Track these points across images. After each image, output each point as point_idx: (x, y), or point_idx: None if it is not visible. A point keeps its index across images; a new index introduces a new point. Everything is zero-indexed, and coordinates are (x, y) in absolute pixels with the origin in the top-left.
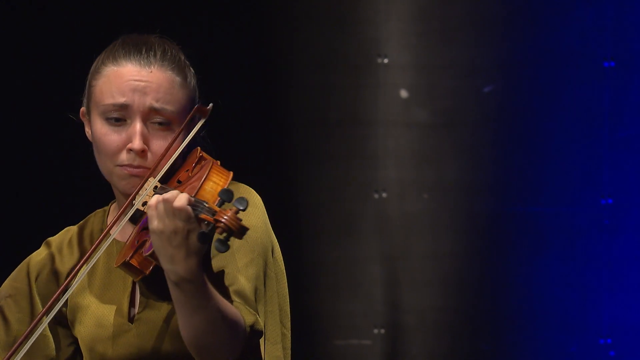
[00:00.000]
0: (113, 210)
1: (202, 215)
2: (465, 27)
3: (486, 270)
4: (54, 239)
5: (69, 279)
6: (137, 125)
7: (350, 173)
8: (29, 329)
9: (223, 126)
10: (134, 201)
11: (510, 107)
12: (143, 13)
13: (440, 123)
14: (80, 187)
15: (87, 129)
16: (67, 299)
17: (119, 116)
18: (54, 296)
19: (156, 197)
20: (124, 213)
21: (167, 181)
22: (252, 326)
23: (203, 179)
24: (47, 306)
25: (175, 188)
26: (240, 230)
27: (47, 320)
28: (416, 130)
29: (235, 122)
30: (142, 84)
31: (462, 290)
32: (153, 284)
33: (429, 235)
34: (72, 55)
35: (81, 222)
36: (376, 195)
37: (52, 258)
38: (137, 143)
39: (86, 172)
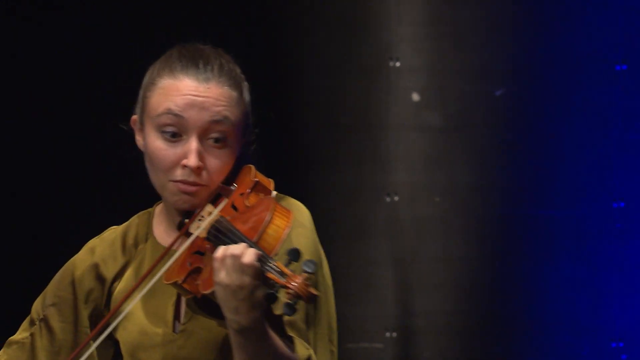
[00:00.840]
0: (159, 214)
1: (271, 275)
2: (477, 31)
3: (497, 273)
4: (97, 244)
5: (116, 285)
6: (194, 142)
7: (361, 176)
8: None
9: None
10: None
11: (522, 111)
12: (154, 18)
13: (452, 126)
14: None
15: (137, 137)
16: (110, 305)
17: (175, 131)
18: (109, 314)
19: (223, 250)
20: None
21: (217, 200)
22: None
23: (266, 221)
24: (103, 321)
25: (232, 217)
26: (309, 298)
27: (97, 339)
28: (428, 134)
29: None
30: (200, 99)
31: (474, 294)
32: (202, 299)
33: (440, 239)
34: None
35: (124, 224)
36: (388, 199)
37: (96, 265)
38: (193, 160)
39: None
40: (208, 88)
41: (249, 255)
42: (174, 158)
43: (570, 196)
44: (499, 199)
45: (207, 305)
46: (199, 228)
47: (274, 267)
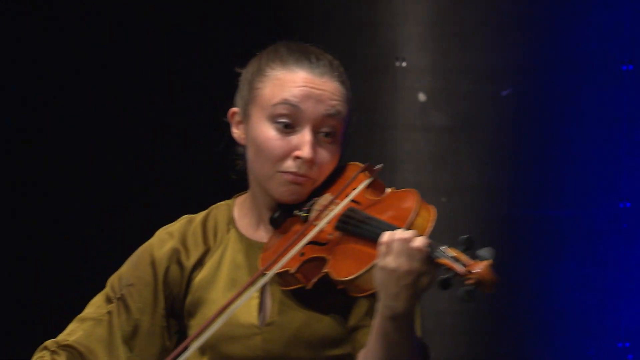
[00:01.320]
0: (240, 207)
1: (444, 262)
2: (483, 31)
3: (504, 273)
4: (175, 230)
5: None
6: (308, 134)
7: None
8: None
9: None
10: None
11: (528, 111)
12: (161, 18)
13: (458, 126)
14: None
15: (235, 130)
16: (189, 291)
17: (289, 122)
18: (246, 285)
19: (390, 235)
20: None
21: (323, 195)
22: (428, 352)
23: (414, 212)
24: (237, 293)
25: (362, 208)
26: (491, 285)
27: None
28: (434, 134)
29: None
30: (318, 91)
31: (480, 294)
32: (292, 290)
33: (447, 239)
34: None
35: (202, 213)
36: None
37: (176, 250)
38: (307, 152)
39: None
40: (323, 82)
41: (420, 240)
42: (286, 149)
43: (577, 196)
44: (506, 199)
45: (298, 300)
46: (326, 218)
47: (446, 254)
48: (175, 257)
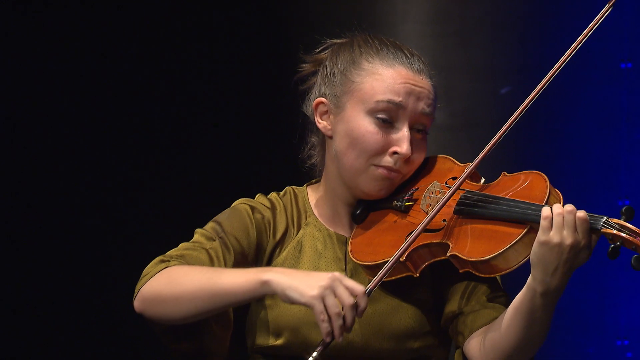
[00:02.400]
0: (313, 196)
1: (608, 231)
2: (483, 29)
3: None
4: (265, 202)
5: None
6: (407, 130)
7: None
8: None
9: (240, 126)
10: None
11: (527, 109)
12: (155, 16)
13: (457, 124)
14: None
15: (319, 120)
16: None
17: (388, 117)
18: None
19: (548, 209)
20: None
21: (426, 183)
22: None
23: (547, 190)
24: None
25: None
26: None
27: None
28: (433, 132)
29: (252, 122)
30: (418, 89)
31: None
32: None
33: None
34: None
35: (280, 195)
36: None
37: (269, 222)
38: (407, 148)
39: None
40: (421, 79)
41: (582, 212)
42: (385, 144)
43: (576, 194)
44: None
45: (383, 291)
46: (439, 203)
47: (611, 224)
48: (264, 227)
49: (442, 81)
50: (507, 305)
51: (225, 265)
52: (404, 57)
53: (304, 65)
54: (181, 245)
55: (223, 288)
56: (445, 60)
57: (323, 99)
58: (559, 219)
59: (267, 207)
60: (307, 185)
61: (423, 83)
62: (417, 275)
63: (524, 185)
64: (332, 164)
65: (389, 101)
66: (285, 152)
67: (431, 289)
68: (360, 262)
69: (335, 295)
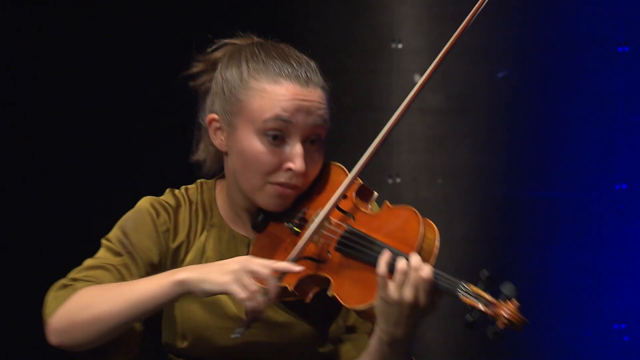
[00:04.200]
0: (220, 194)
1: (468, 300)
2: (479, 13)
3: (500, 255)
4: (166, 202)
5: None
6: (299, 146)
7: None
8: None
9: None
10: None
11: (524, 93)
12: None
13: (454, 108)
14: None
15: (214, 136)
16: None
17: (279, 135)
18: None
19: (402, 264)
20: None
21: (309, 200)
22: None
23: (421, 235)
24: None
25: (358, 225)
26: (522, 327)
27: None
28: (430, 116)
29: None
30: (307, 103)
31: (476, 276)
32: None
33: (442, 220)
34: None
35: (187, 190)
36: (390, 181)
37: (167, 223)
38: (300, 164)
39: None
40: (310, 91)
41: (427, 270)
42: (277, 161)
43: (573, 178)
44: (501, 181)
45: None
46: (311, 228)
47: (469, 292)
48: (168, 227)
49: (439, 65)
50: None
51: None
52: (290, 70)
53: (197, 63)
54: (85, 262)
55: (139, 299)
56: (441, 44)
57: (215, 116)
58: (401, 278)
59: (171, 206)
60: (216, 179)
61: (312, 95)
62: (309, 301)
63: (399, 224)
64: (231, 177)
65: (276, 118)
66: None
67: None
68: None
69: (251, 273)
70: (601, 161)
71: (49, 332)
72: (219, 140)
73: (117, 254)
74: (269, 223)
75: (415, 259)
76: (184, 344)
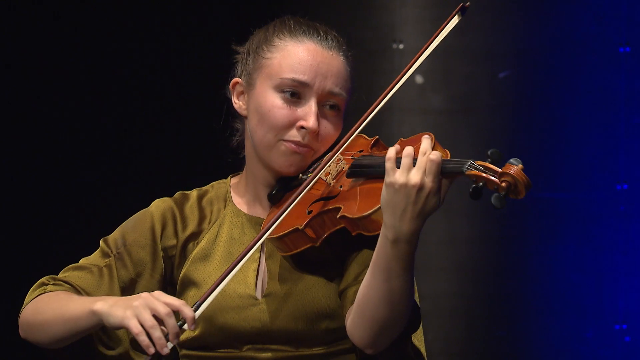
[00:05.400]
0: (235, 186)
1: (474, 172)
2: (481, 13)
3: (502, 255)
4: (173, 200)
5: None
6: (314, 105)
7: None
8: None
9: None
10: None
11: (526, 93)
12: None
13: (455, 109)
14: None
15: (236, 101)
16: (185, 262)
17: (295, 92)
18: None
19: (407, 150)
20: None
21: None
22: (419, 312)
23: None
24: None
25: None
26: (526, 188)
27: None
28: (431, 116)
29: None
30: (325, 67)
31: (478, 276)
32: (292, 260)
33: (444, 221)
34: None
35: (201, 189)
36: None
37: (174, 219)
38: (313, 122)
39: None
40: (331, 55)
41: (434, 153)
42: (291, 118)
43: (574, 179)
44: None
45: (295, 271)
46: (319, 168)
47: (474, 166)
48: (173, 224)
49: (440, 65)
50: None
51: (119, 281)
52: (316, 35)
53: (237, 55)
54: (81, 261)
55: (70, 317)
56: (443, 44)
57: (238, 79)
58: (407, 161)
59: (177, 202)
60: (230, 177)
61: (331, 60)
62: (319, 244)
63: (414, 145)
64: (249, 143)
65: (293, 79)
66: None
67: (340, 269)
68: (269, 237)
69: (150, 310)
70: (603, 162)
71: (19, 327)
72: (239, 104)
73: (105, 255)
74: (284, 195)
75: (425, 143)
76: (196, 332)
